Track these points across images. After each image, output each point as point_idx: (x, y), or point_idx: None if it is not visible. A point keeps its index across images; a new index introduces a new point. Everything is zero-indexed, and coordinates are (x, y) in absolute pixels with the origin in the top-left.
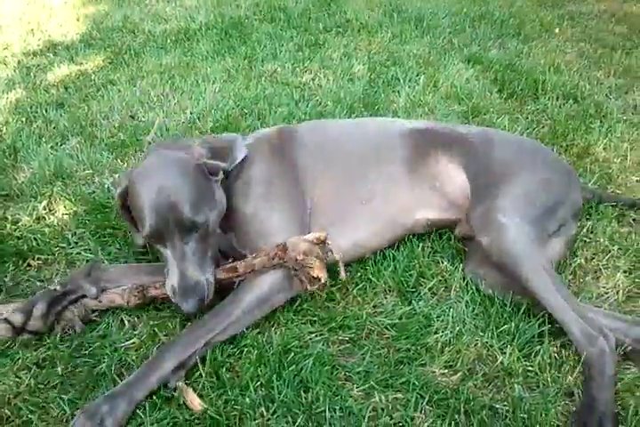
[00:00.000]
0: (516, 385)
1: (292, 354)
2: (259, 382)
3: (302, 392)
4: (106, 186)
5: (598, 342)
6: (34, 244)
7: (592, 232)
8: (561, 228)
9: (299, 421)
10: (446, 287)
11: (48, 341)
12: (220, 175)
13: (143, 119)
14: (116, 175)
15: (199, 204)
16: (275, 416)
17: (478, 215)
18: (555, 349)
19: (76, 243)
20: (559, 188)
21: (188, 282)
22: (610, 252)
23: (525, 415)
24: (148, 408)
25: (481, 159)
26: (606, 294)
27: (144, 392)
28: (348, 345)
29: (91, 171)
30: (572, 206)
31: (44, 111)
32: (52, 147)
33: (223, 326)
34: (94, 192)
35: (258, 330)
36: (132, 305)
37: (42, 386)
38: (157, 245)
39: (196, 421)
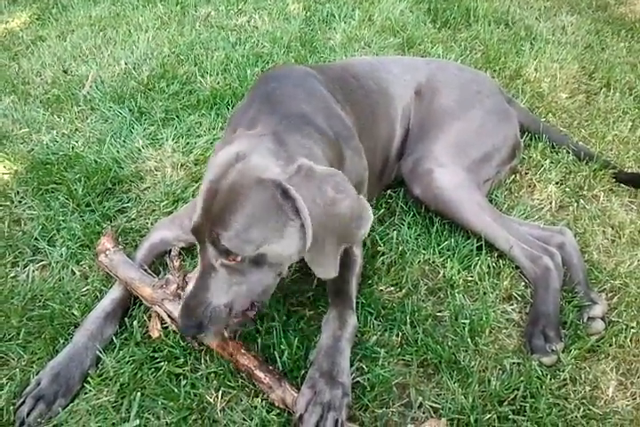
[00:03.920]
0: (457, 294)
1: None
2: None
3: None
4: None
5: (542, 260)
6: None
7: (526, 148)
8: (499, 172)
9: (259, 345)
10: (391, 213)
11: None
12: (305, 218)
13: (77, 73)
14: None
15: (248, 231)
16: None
17: (409, 166)
18: (492, 259)
19: (20, 201)
20: (496, 135)
21: (193, 302)
22: (542, 166)
23: (467, 321)
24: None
25: (423, 110)
26: (540, 205)
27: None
28: (298, 274)
29: (27, 129)
30: (509, 150)
31: None
32: None
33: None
34: (33, 150)
35: None
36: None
37: None
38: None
39: (154, 355)
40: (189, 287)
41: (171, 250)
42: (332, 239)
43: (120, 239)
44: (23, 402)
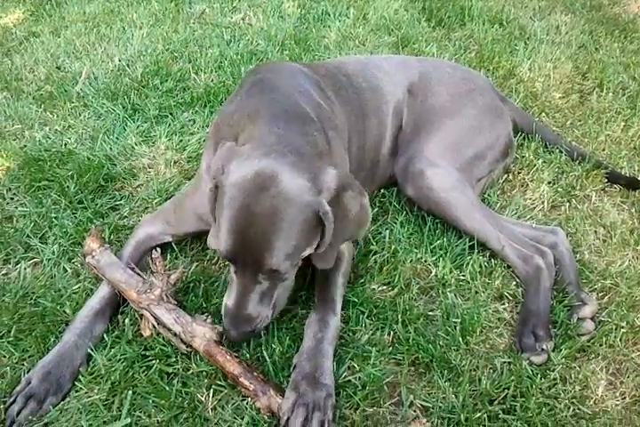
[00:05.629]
0: (449, 294)
1: None
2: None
3: None
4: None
5: (534, 260)
6: None
7: (519, 148)
8: (492, 171)
9: (251, 343)
10: (384, 212)
11: None
12: (328, 230)
13: (70, 70)
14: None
15: (293, 252)
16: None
17: (401, 165)
18: (484, 258)
19: (12, 198)
20: (489, 134)
21: (242, 313)
22: (535, 166)
23: (458, 320)
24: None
25: (416, 109)
26: (532, 205)
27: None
28: None
29: (20, 125)
30: (502, 149)
31: None
32: None
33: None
34: (25, 146)
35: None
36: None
37: None
38: (229, 262)
39: (146, 353)
40: (232, 296)
41: (152, 251)
42: (341, 239)
43: (112, 237)
44: (14, 401)
